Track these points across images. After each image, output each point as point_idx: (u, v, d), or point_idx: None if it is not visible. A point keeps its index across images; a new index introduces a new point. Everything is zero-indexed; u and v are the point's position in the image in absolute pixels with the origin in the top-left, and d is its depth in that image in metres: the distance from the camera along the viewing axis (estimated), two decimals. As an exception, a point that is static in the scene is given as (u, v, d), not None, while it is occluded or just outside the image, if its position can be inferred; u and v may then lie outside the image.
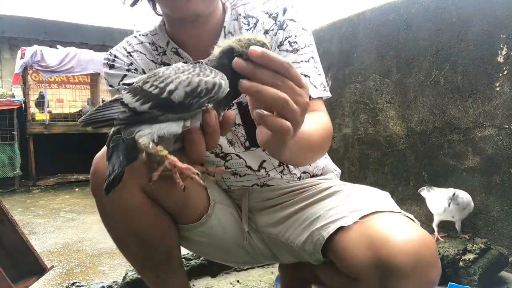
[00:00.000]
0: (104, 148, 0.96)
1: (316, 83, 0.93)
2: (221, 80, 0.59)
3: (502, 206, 1.86)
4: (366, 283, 0.75)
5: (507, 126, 1.82)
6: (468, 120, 1.98)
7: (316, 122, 0.83)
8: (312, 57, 0.95)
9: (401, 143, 2.36)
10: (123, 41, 1.05)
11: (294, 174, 1.06)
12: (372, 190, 0.93)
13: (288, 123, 0.57)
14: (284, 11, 0.96)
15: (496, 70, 1.85)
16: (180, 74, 0.59)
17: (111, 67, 0.99)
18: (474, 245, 1.69)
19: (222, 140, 1.02)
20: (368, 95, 2.56)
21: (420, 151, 2.24)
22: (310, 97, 0.89)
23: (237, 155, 1.02)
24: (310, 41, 0.96)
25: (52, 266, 1.63)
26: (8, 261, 1.50)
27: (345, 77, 2.72)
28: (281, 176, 1.05)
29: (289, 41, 0.94)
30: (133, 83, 0.64)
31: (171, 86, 0.57)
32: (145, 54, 1.01)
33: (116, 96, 0.60)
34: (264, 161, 1.03)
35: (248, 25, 0.98)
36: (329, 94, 0.95)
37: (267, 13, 0.97)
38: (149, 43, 1.02)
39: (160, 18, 1.03)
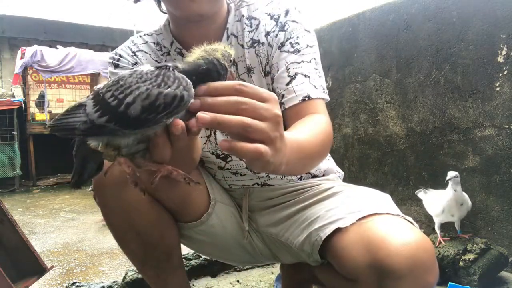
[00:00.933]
0: None
1: (316, 84, 0.92)
2: (183, 91, 0.54)
3: (502, 206, 1.86)
4: (364, 285, 0.75)
5: (507, 126, 1.82)
6: (468, 120, 1.98)
7: (314, 128, 0.80)
8: (314, 58, 0.94)
9: (401, 143, 2.36)
10: (128, 40, 1.05)
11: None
12: (373, 192, 0.93)
13: (260, 146, 0.52)
14: (286, 12, 0.95)
15: (496, 70, 1.85)
16: (141, 84, 0.54)
17: (116, 66, 1.00)
18: (474, 245, 1.69)
19: None
20: (368, 95, 2.56)
21: (420, 151, 2.24)
22: (309, 97, 0.88)
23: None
24: (313, 43, 0.95)
25: (52, 266, 1.63)
26: (8, 261, 1.50)
27: (345, 77, 2.72)
28: (282, 177, 1.05)
29: (290, 42, 0.93)
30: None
31: (129, 99, 0.53)
32: (149, 54, 1.01)
33: (83, 99, 0.58)
34: None
35: (251, 26, 0.97)
36: (327, 98, 0.93)
37: (269, 14, 0.97)
38: (154, 43, 1.02)
39: (165, 17, 1.03)
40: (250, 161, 0.54)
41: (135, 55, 1.00)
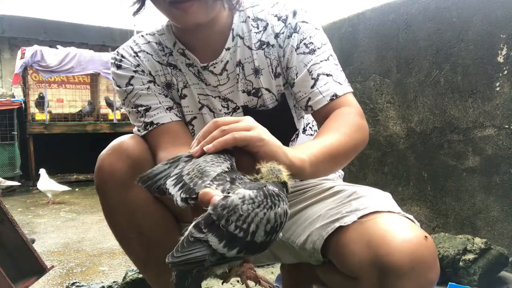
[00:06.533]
0: (111, 145, 0.97)
1: (340, 79, 0.93)
2: (287, 205, 0.61)
3: (502, 206, 1.86)
4: (365, 283, 0.75)
5: (507, 126, 1.82)
6: (468, 120, 1.98)
7: (342, 125, 0.84)
8: (331, 55, 0.95)
9: (401, 143, 2.36)
10: (130, 40, 1.04)
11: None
12: (373, 191, 0.93)
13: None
14: (294, 13, 0.95)
15: (496, 70, 1.85)
16: (257, 210, 0.58)
17: (118, 67, 0.99)
18: (474, 245, 1.69)
19: None
20: (368, 95, 2.56)
21: (420, 151, 2.24)
22: (336, 95, 0.91)
23: None
24: (325, 40, 0.96)
25: (52, 266, 1.63)
26: (8, 261, 1.50)
27: (345, 77, 2.72)
28: None
29: (304, 43, 0.93)
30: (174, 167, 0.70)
31: (253, 227, 0.57)
32: (151, 55, 1.00)
33: (199, 236, 0.59)
34: None
35: (258, 28, 0.96)
36: (351, 89, 0.96)
37: (276, 16, 0.96)
38: (156, 43, 1.01)
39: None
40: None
41: (137, 56, 1.00)
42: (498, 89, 1.85)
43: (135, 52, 1.00)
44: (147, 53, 1.00)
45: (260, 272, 1.91)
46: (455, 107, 2.04)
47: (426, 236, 0.74)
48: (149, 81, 0.99)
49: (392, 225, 0.75)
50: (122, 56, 1.00)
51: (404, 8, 2.29)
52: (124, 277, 1.75)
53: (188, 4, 0.83)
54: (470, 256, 1.65)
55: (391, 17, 2.37)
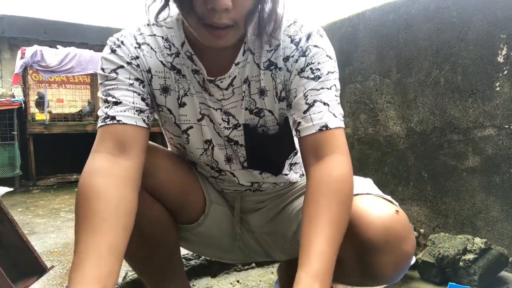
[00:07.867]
0: None
1: (336, 112, 0.87)
2: None
3: (502, 206, 1.86)
4: (347, 263, 0.80)
5: (507, 126, 1.82)
6: (468, 120, 1.98)
7: (335, 210, 0.76)
8: (334, 85, 0.89)
9: (401, 143, 2.36)
10: (134, 28, 0.93)
11: (288, 182, 1.09)
12: (355, 178, 0.95)
13: None
14: (308, 37, 0.88)
15: (496, 70, 1.85)
16: None
17: (113, 51, 0.88)
18: (474, 245, 1.69)
19: (220, 156, 1.00)
20: (368, 95, 2.56)
21: (420, 151, 2.24)
22: (327, 127, 0.84)
23: (231, 173, 1.02)
24: (334, 69, 0.90)
25: (52, 266, 1.63)
26: (8, 261, 1.50)
27: (345, 77, 2.72)
28: (274, 186, 1.07)
29: (311, 68, 0.87)
30: None
31: None
32: (155, 52, 0.91)
33: None
34: (257, 182, 1.05)
35: (270, 46, 0.90)
36: (343, 125, 0.89)
37: (290, 36, 0.90)
38: (163, 38, 0.91)
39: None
40: None
41: (140, 48, 0.90)
42: (498, 89, 1.85)
43: (138, 43, 0.90)
44: (151, 48, 0.91)
45: (260, 271, 1.92)
46: (455, 107, 2.04)
47: (397, 211, 0.79)
48: (137, 79, 0.89)
49: (368, 204, 0.81)
50: (122, 42, 0.89)
51: (404, 8, 2.29)
52: (124, 277, 1.75)
53: (224, 32, 0.77)
54: (470, 256, 1.65)
55: (391, 17, 2.37)
